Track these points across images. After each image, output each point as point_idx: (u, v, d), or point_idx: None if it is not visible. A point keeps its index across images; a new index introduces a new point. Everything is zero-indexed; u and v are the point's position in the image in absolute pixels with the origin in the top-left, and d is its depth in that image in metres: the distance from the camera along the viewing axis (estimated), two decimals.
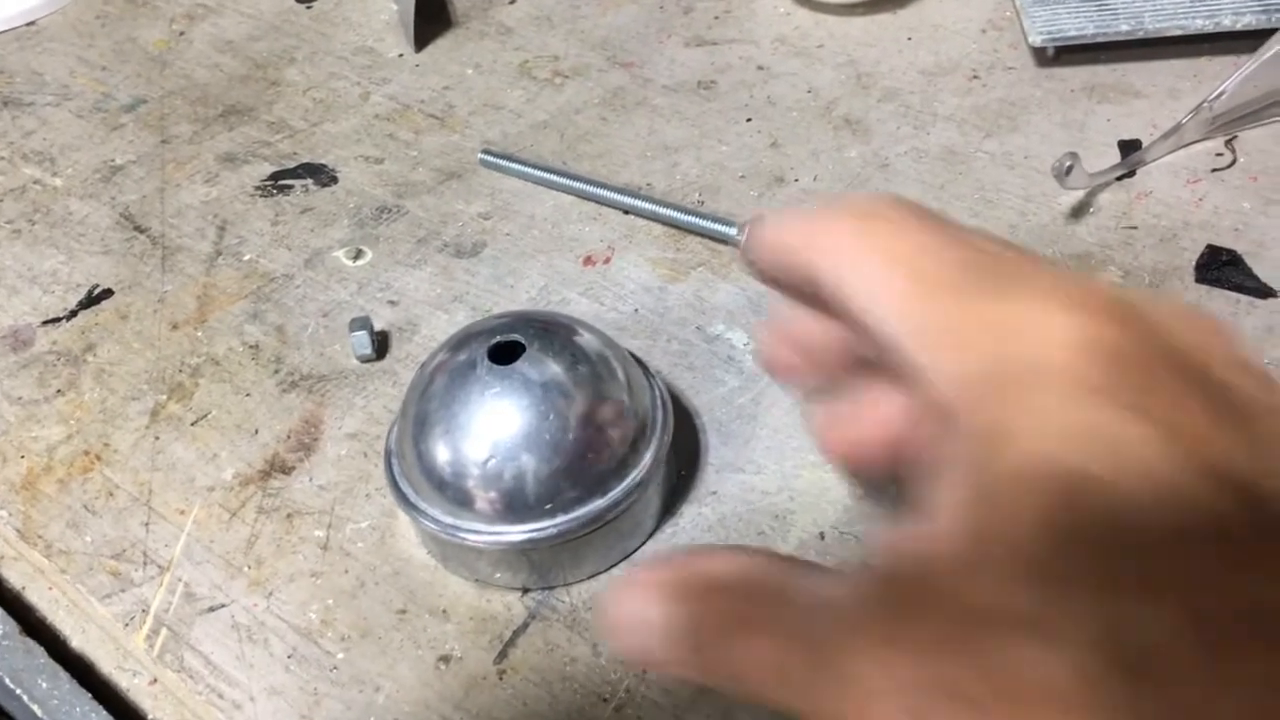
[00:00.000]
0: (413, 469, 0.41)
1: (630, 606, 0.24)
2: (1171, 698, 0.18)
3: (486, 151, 0.61)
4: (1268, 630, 0.18)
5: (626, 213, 0.58)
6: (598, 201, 0.58)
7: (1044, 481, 0.20)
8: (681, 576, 0.24)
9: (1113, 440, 0.20)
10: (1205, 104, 0.56)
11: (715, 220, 0.55)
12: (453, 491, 0.40)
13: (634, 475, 0.41)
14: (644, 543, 0.44)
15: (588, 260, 0.55)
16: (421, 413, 0.41)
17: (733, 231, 0.54)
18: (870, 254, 0.24)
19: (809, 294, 0.26)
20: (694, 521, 0.44)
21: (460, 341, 0.42)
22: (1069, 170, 0.51)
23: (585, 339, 0.42)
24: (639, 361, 0.45)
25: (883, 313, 0.24)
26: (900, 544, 0.22)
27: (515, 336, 0.41)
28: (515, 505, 0.39)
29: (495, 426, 0.39)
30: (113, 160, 0.65)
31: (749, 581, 0.24)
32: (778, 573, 0.24)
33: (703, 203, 0.58)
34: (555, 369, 0.40)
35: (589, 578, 0.42)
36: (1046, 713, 0.18)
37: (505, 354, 0.40)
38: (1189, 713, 0.18)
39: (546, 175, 0.59)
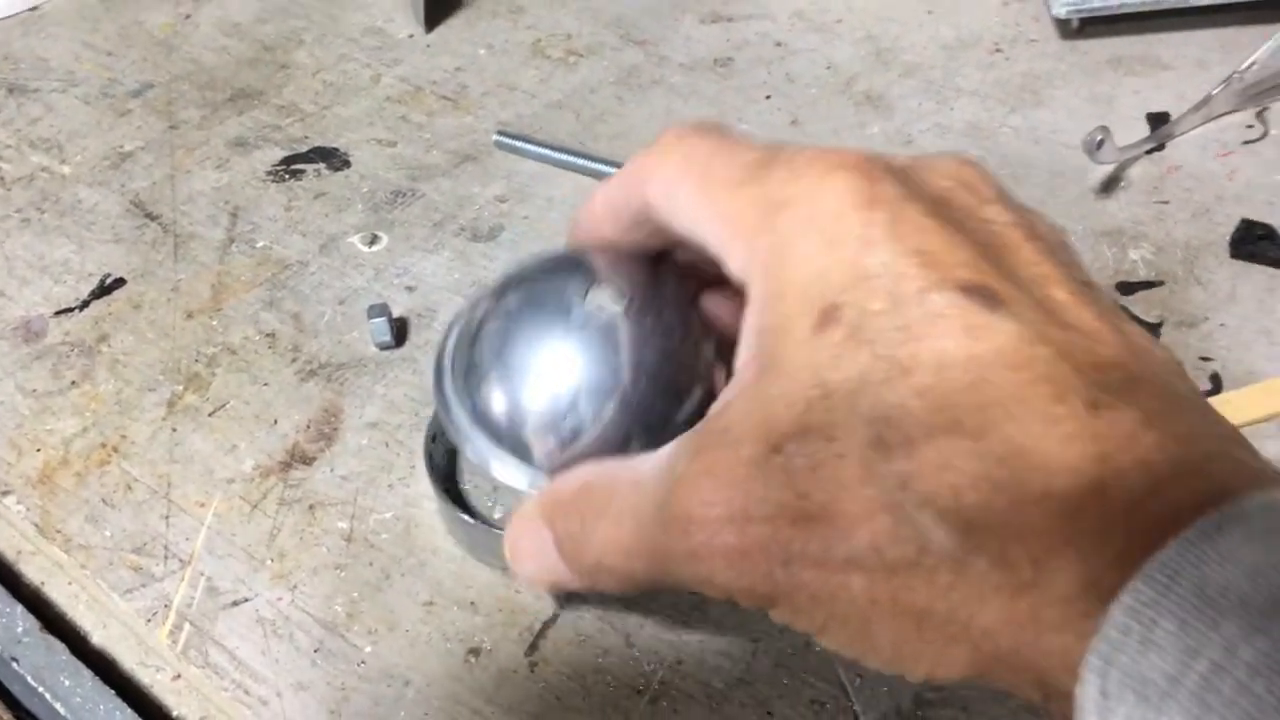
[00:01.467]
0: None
1: (518, 543, 0.30)
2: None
3: (501, 133, 0.60)
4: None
5: None
6: None
7: (808, 315, 0.24)
8: (543, 506, 0.29)
9: (863, 270, 0.24)
10: (1236, 75, 0.55)
11: None
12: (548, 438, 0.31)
13: None
14: None
15: None
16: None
17: None
18: (668, 170, 0.28)
19: (651, 232, 0.30)
20: None
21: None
22: (1100, 145, 0.50)
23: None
24: None
25: (684, 216, 0.28)
26: (703, 423, 0.26)
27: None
28: None
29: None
30: (121, 147, 0.64)
31: (587, 486, 0.28)
32: (608, 469, 0.28)
33: None
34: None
35: None
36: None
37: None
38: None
39: (563, 156, 0.58)
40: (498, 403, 0.32)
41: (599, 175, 0.57)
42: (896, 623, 0.22)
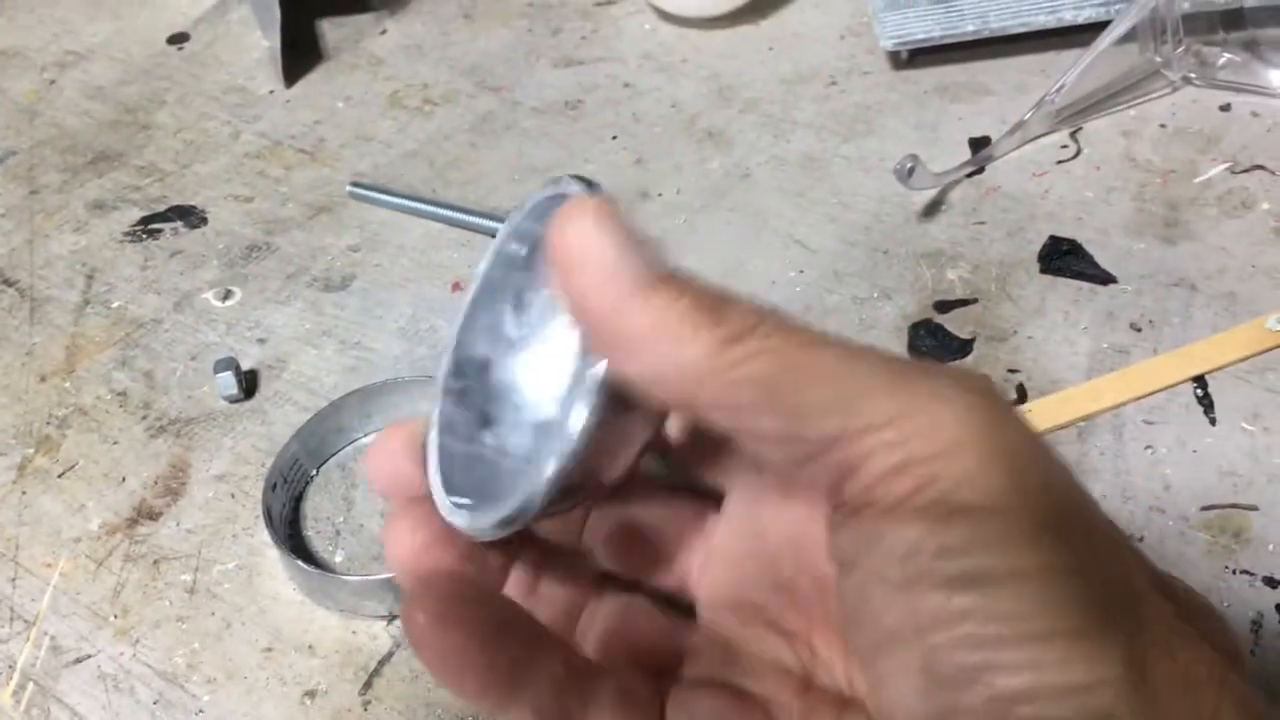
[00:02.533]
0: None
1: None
2: None
3: (355, 184, 0.62)
4: None
5: (494, 236, 0.58)
6: (466, 227, 0.59)
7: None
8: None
9: None
10: (1047, 97, 0.58)
11: None
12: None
13: None
14: None
15: (456, 286, 0.56)
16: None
17: None
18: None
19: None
20: None
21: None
22: (911, 171, 0.53)
23: None
24: None
25: None
26: None
27: None
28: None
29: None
30: None
31: None
32: None
33: None
34: None
35: None
36: None
37: None
38: None
39: (414, 204, 0.60)
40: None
41: (449, 221, 0.59)
42: None
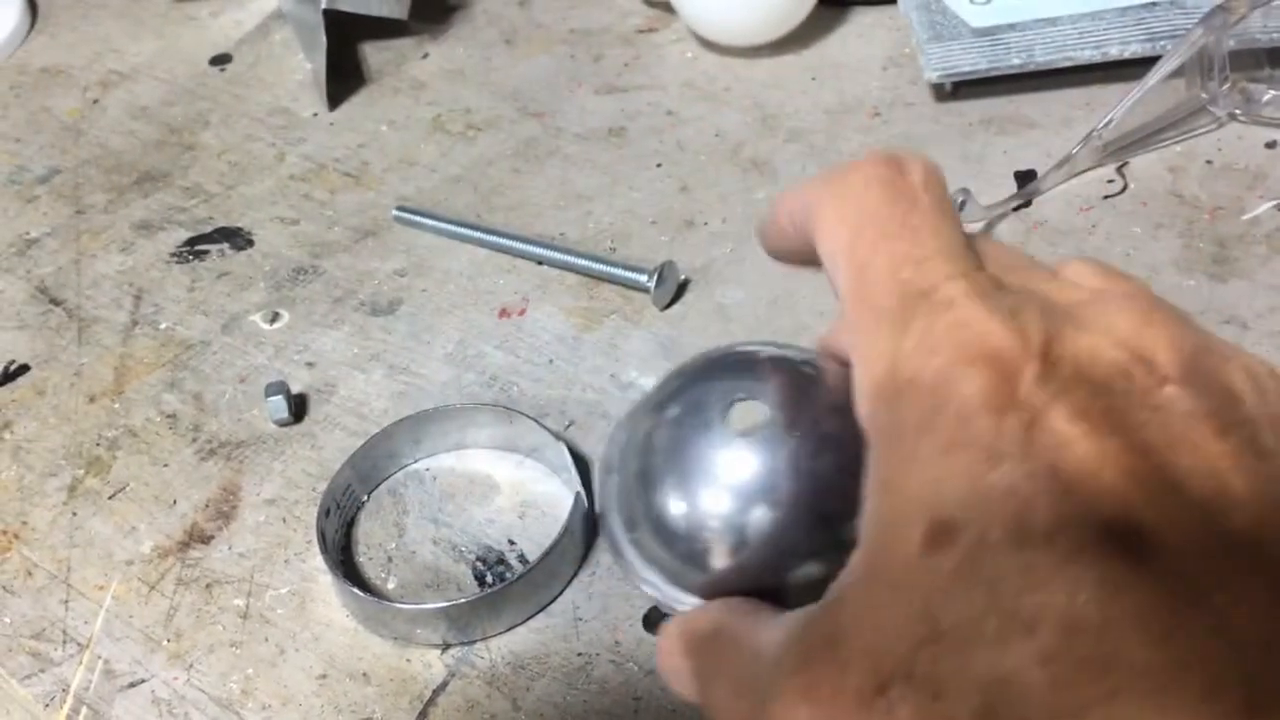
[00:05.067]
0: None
1: (667, 659, 0.28)
2: None
3: (400, 208, 0.62)
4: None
5: (540, 263, 0.58)
6: (511, 254, 0.59)
7: (919, 525, 0.21)
8: (683, 633, 0.27)
9: (986, 488, 0.20)
10: (1095, 132, 0.58)
11: (626, 268, 0.56)
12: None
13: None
14: (562, 591, 0.44)
15: (503, 313, 0.56)
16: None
17: (643, 278, 0.55)
18: (835, 224, 0.25)
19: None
20: (610, 569, 0.44)
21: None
22: (963, 205, 0.53)
23: None
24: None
25: (838, 289, 0.25)
26: (818, 617, 0.23)
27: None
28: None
29: None
30: (27, 233, 0.65)
31: (718, 631, 0.26)
32: (734, 620, 0.26)
33: (614, 250, 0.59)
34: None
35: (507, 630, 0.43)
36: None
37: None
38: None
39: (460, 230, 0.60)
40: (668, 510, 0.30)
41: (494, 247, 0.59)
42: None
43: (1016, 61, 0.63)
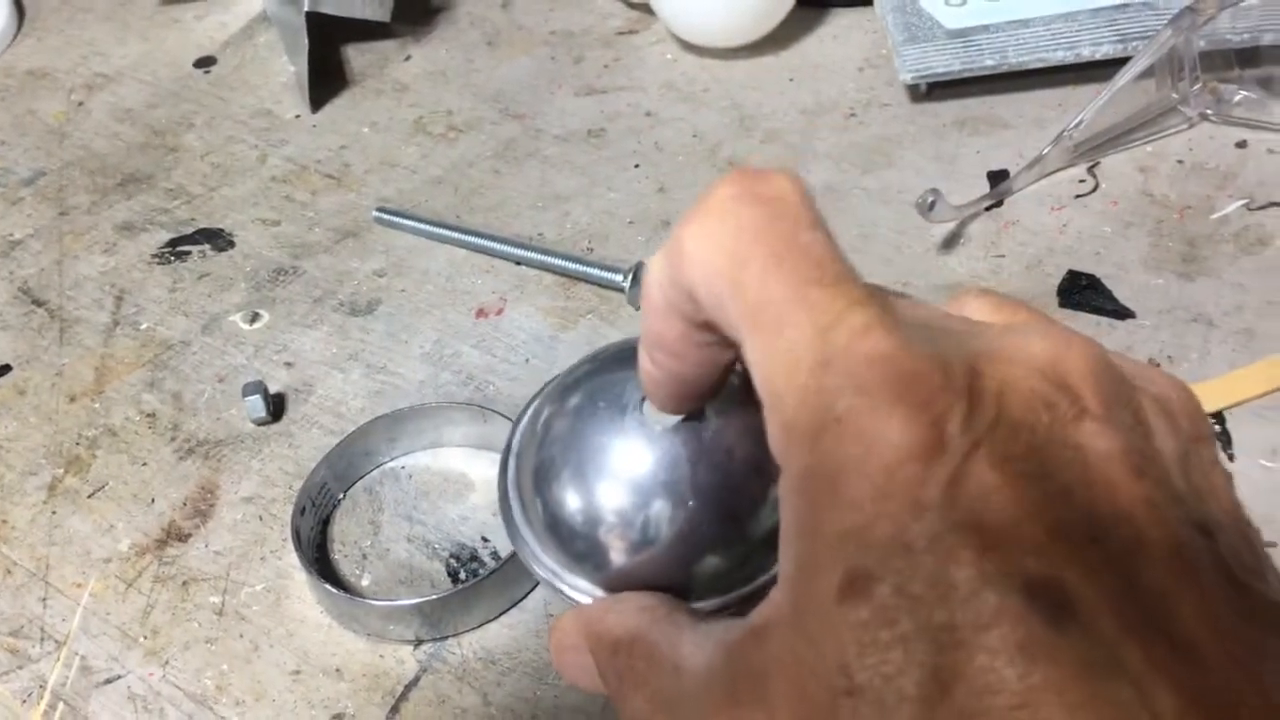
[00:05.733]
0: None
1: (562, 650, 0.28)
2: None
3: (380, 209, 0.63)
4: None
5: (518, 263, 0.59)
6: (490, 254, 0.60)
7: (834, 572, 0.20)
8: (588, 629, 0.27)
9: (906, 540, 0.20)
10: (1066, 132, 0.59)
11: (603, 268, 0.56)
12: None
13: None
14: (534, 587, 0.45)
15: (480, 312, 0.57)
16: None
17: (619, 278, 0.56)
18: (712, 252, 0.23)
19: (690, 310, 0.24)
20: None
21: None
22: (932, 205, 0.53)
23: None
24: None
25: (732, 327, 0.23)
26: (743, 643, 0.23)
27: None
28: None
29: None
30: (11, 235, 0.65)
31: (636, 638, 0.26)
32: (659, 632, 0.26)
33: (592, 250, 0.59)
34: None
35: (479, 626, 0.44)
36: None
37: None
38: None
39: (439, 230, 0.61)
40: (568, 504, 0.30)
41: (473, 248, 0.60)
42: None
43: (990, 63, 0.63)
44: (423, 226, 0.61)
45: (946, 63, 0.63)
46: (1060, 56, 0.63)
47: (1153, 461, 0.21)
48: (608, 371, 0.31)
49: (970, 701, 0.18)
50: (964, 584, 0.19)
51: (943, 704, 0.18)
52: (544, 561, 0.29)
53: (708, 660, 0.24)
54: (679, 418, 0.28)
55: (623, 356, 0.30)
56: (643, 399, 0.28)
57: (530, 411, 0.31)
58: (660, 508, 0.28)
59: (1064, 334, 0.22)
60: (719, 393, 0.27)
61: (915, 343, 0.21)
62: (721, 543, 0.27)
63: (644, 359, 0.26)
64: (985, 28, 0.64)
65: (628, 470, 0.28)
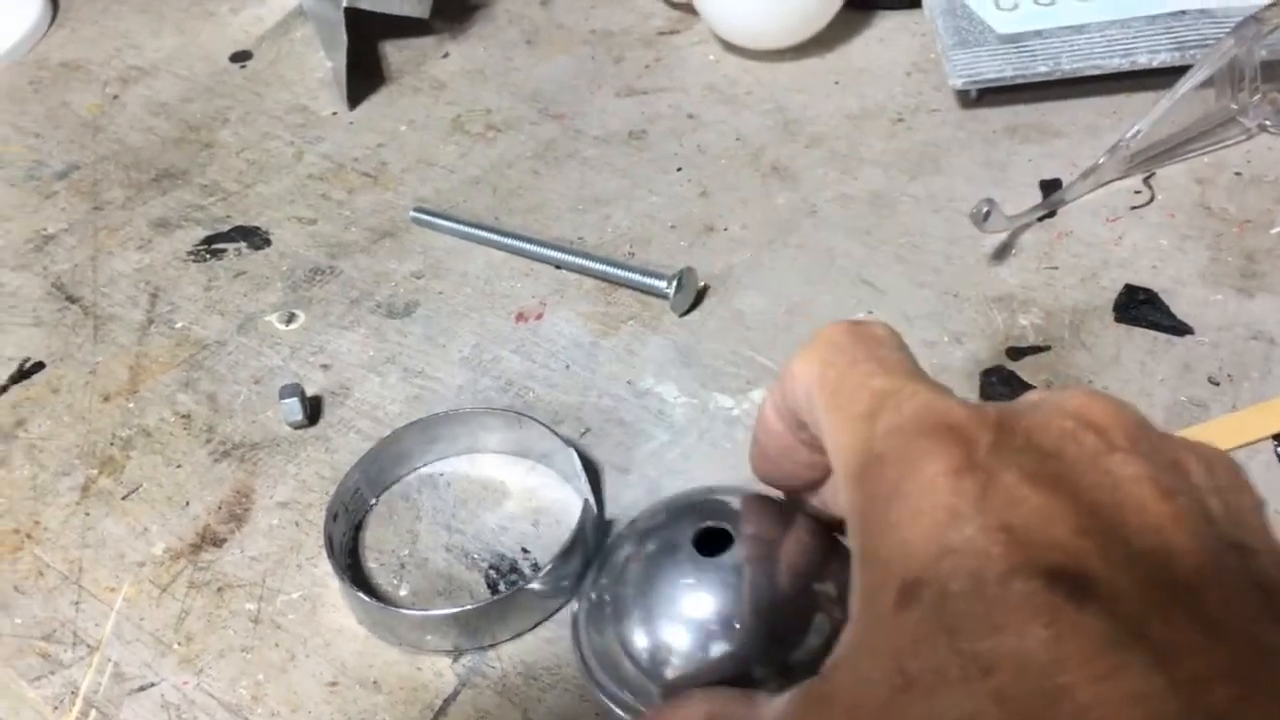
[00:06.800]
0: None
1: None
2: None
3: (418, 209, 0.62)
4: None
5: (558, 267, 0.58)
6: (529, 257, 0.59)
7: (890, 589, 0.23)
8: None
9: (946, 545, 0.22)
10: (1122, 142, 0.57)
11: (645, 273, 0.55)
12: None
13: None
14: (571, 598, 0.44)
15: (520, 317, 0.56)
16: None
17: (662, 284, 0.54)
18: (807, 375, 0.28)
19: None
20: None
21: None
22: (987, 215, 0.52)
23: None
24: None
25: (820, 432, 0.28)
26: (814, 682, 0.25)
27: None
28: None
29: None
30: (45, 229, 0.65)
31: (712, 715, 0.29)
32: (729, 704, 0.29)
33: (633, 254, 0.58)
34: None
35: (514, 636, 0.42)
36: None
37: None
38: None
39: (478, 232, 0.60)
40: (634, 640, 0.37)
41: (512, 250, 0.59)
42: None
43: (1043, 69, 0.62)
44: (461, 228, 0.60)
45: (998, 68, 0.62)
46: (1116, 64, 0.61)
47: (1185, 491, 0.23)
48: (670, 521, 0.38)
49: (1007, 679, 0.20)
50: (995, 577, 0.21)
51: (982, 685, 0.20)
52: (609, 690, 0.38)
53: (783, 704, 0.26)
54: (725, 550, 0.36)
55: (684, 506, 0.39)
56: (695, 535, 0.36)
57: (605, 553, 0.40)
58: (710, 644, 0.34)
59: (1102, 393, 0.25)
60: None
61: (955, 399, 0.25)
62: (768, 668, 0.34)
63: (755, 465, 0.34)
64: (1038, 33, 0.63)
65: (680, 609, 0.35)
